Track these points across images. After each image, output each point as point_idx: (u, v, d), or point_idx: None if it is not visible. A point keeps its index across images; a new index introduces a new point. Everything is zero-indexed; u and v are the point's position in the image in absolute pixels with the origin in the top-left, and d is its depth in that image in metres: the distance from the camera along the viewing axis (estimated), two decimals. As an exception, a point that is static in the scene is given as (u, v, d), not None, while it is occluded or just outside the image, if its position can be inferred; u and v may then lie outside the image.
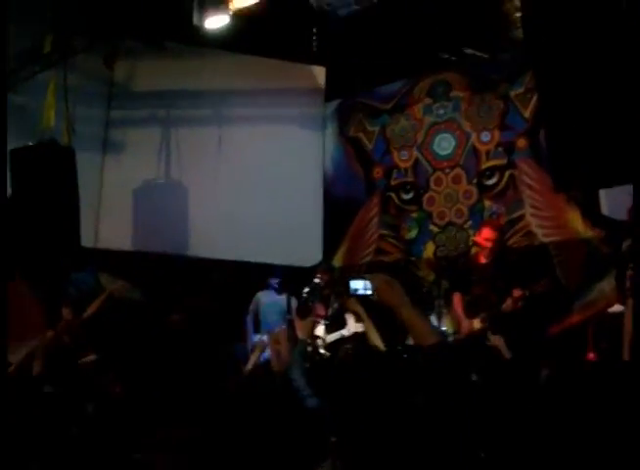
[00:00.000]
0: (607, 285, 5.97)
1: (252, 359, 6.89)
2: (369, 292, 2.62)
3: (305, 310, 6.99)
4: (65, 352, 5.16)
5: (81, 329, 5.59)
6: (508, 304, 5.58)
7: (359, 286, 3.07)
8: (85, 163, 6.85)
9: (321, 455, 2.17)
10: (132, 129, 8.20)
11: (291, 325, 7.18)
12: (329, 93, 9.19)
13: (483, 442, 2.09)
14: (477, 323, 5.62)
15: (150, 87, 8.23)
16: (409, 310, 2.19)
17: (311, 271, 7.24)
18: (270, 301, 7.54)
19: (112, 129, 8.10)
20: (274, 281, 7.55)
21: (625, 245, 5.02)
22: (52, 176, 6.22)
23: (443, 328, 6.21)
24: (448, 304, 6.32)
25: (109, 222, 7.85)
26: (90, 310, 5.64)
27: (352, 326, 6.53)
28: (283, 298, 7.43)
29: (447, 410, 1.99)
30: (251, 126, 8.69)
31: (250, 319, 7.56)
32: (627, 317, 4.57)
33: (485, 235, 6.19)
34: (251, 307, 7.58)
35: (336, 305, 6.81)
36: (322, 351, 6.56)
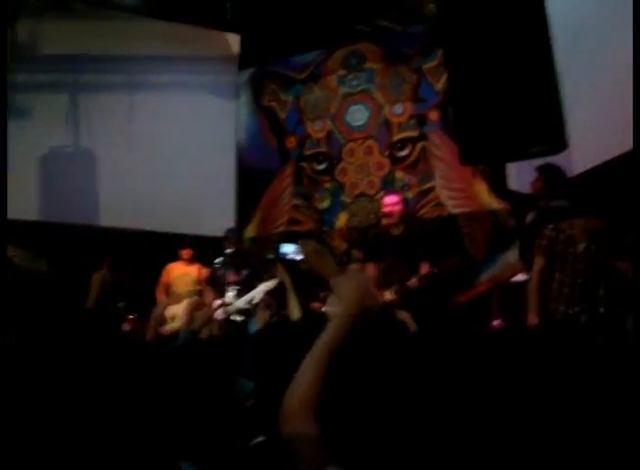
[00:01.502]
0: (511, 255, 6.19)
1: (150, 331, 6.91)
2: (298, 257, 2.59)
3: (214, 279, 7.07)
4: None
5: None
6: (413, 281, 5.69)
7: (290, 251, 3.08)
8: (-13, 129, 6.57)
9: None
10: (38, 94, 7.84)
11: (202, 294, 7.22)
12: (243, 61, 9.07)
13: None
14: (389, 295, 5.71)
15: (56, 50, 7.90)
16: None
17: (223, 241, 7.24)
18: (181, 271, 7.49)
19: (15, 94, 7.78)
20: (185, 252, 7.49)
21: (529, 217, 5.20)
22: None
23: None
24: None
25: (14, 192, 7.56)
26: None
27: (262, 289, 6.61)
28: (194, 268, 7.41)
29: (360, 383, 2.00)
30: (164, 94, 8.51)
31: (161, 291, 7.48)
32: (533, 281, 4.72)
33: (390, 201, 6.25)
34: (163, 280, 7.51)
35: (245, 273, 6.88)
36: (234, 317, 6.62)
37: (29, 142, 7.65)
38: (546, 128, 4.53)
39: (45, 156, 7.86)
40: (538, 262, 4.71)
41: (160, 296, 7.40)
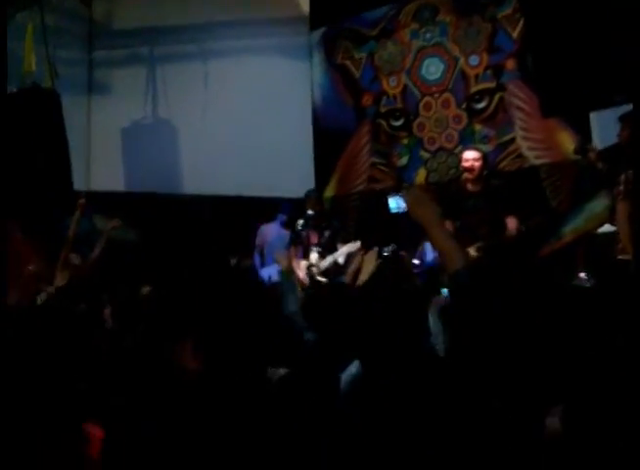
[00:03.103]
0: (597, 205, 6.01)
1: None
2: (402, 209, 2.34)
3: (298, 240, 7.13)
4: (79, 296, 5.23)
5: (90, 273, 5.70)
6: (500, 239, 5.59)
7: (396, 204, 3.05)
8: (71, 106, 6.78)
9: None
10: (117, 69, 8.10)
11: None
12: (314, 21, 9.04)
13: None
14: (472, 251, 5.63)
15: (131, 25, 8.10)
16: (437, 231, 2.00)
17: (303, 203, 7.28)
18: (276, 235, 7.57)
19: (96, 70, 8.00)
20: (281, 216, 7.56)
21: (621, 166, 5.02)
22: (38, 121, 6.16)
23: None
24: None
25: (100, 164, 7.83)
26: (94, 254, 5.82)
27: (345, 251, 6.64)
28: (288, 232, 7.49)
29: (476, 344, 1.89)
30: (237, 59, 8.57)
31: (257, 254, 7.63)
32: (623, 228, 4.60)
33: (470, 156, 6.08)
34: (257, 242, 7.63)
35: (327, 234, 6.89)
36: (318, 278, 6.67)
37: (111, 116, 7.89)
38: (631, 74, 4.34)
39: (127, 128, 8.09)
40: (624, 207, 4.59)
41: (257, 260, 7.56)
